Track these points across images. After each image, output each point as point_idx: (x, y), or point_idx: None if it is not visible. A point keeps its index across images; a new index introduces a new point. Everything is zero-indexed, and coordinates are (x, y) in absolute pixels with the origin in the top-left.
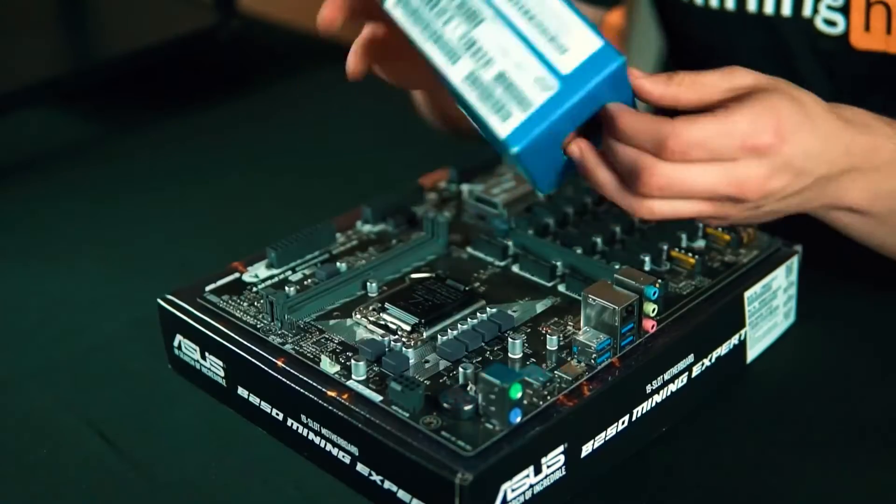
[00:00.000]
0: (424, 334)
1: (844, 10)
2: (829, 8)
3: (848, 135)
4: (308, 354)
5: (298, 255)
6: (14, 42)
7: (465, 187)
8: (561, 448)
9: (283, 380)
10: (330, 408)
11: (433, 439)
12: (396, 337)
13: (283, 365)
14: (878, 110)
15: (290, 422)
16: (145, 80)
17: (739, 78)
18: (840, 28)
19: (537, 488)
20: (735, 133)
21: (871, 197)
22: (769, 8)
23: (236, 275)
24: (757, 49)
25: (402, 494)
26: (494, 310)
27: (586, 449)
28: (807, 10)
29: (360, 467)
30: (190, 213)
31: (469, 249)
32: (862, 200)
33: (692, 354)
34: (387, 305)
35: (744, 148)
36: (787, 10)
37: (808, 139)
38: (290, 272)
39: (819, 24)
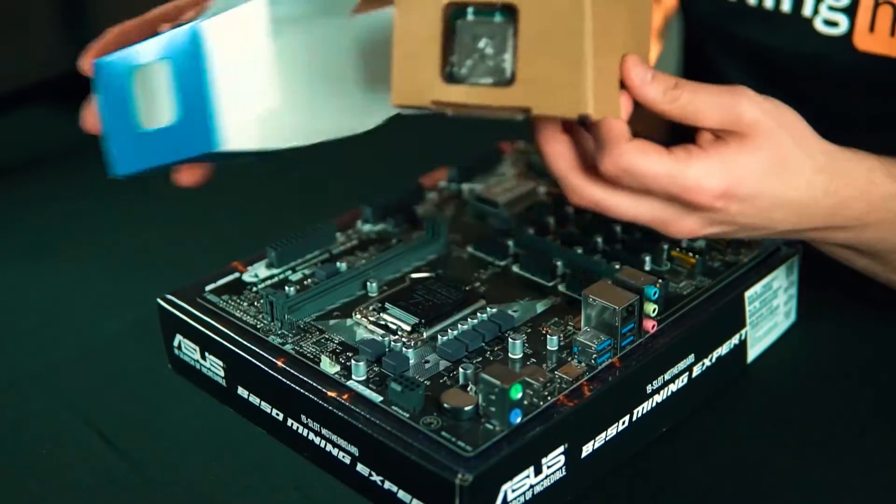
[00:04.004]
0: (424, 334)
1: (849, 10)
2: (832, 8)
3: (829, 203)
4: (308, 354)
5: (298, 254)
6: (14, 42)
7: (465, 187)
8: (561, 448)
9: (283, 380)
10: (330, 408)
11: (433, 439)
12: (396, 337)
13: (283, 365)
14: (877, 114)
15: (290, 422)
16: None
17: (740, 109)
18: (842, 28)
19: (537, 489)
20: (678, 181)
21: (861, 242)
22: (769, 2)
23: (236, 275)
24: (754, 44)
25: (402, 495)
26: (494, 310)
27: (586, 449)
28: (807, 10)
29: (360, 467)
30: (190, 212)
31: (469, 249)
32: (853, 244)
33: (692, 354)
34: (387, 305)
35: (679, 199)
36: (786, 6)
37: (766, 203)
38: (290, 272)
39: (818, 24)
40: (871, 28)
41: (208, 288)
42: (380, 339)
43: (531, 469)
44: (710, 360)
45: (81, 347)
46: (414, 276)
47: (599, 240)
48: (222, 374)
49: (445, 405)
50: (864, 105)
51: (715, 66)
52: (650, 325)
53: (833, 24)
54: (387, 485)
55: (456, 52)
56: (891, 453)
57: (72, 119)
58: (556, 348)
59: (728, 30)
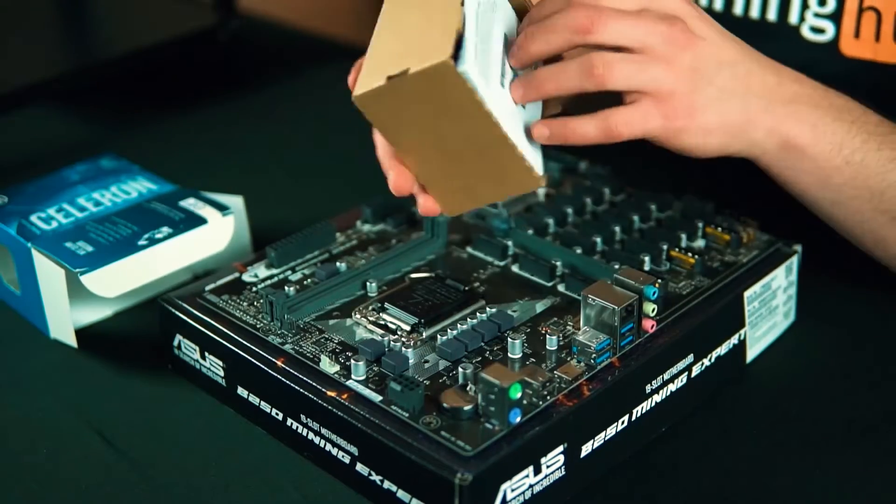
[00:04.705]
0: (424, 334)
1: (834, 16)
2: (817, 16)
3: (780, 68)
4: (308, 354)
5: (298, 254)
6: (14, 42)
7: None
8: (561, 448)
9: (283, 380)
10: (330, 408)
11: (433, 439)
12: (396, 337)
13: (283, 365)
14: None
15: (289, 422)
16: (145, 80)
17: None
18: (829, 35)
19: (537, 488)
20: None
21: (811, 129)
22: (755, 12)
23: (236, 275)
24: None
25: (401, 494)
26: (494, 310)
27: (586, 449)
28: (793, 18)
29: (359, 467)
30: None
31: (469, 249)
32: (803, 132)
33: (692, 354)
34: (386, 305)
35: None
36: (772, 15)
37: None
38: (289, 272)
39: (805, 31)
40: (857, 34)
41: (208, 288)
42: (379, 338)
43: (530, 469)
44: (710, 360)
45: (81, 347)
46: (413, 276)
47: (598, 240)
48: (222, 374)
49: (445, 405)
50: None
51: None
52: (649, 325)
53: (820, 31)
54: (386, 484)
55: None
56: (890, 453)
57: (72, 119)
58: (555, 348)
59: None
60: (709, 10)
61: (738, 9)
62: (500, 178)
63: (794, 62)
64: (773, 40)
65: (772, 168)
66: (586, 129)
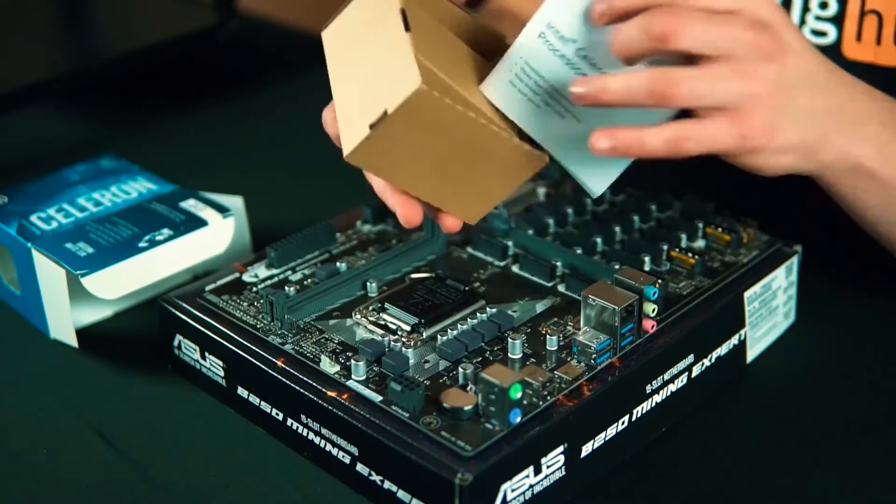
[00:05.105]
0: (424, 334)
1: (836, 19)
2: (819, 18)
3: (853, 82)
4: (308, 354)
5: (298, 255)
6: (14, 42)
7: None
8: (561, 448)
9: (283, 380)
10: (330, 408)
11: (433, 439)
12: (396, 337)
13: (283, 365)
14: None
15: (290, 422)
16: (145, 80)
17: None
18: (830, 38)
19: (537, 488)
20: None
21: (879, 151)
22: None
23: (236, 275)
24: None
25: (401, 494)
26: (494, 310)
27: (586, 449)
28: (794, 20)
29: (359, 467)
30: None
31: (469, 249)
32: (871, 154)
33: (692, 354)
34: (386, 305)
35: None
36: None
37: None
38: (289, 272)
39: (806, 34)
40: (859, 37)
41: (208, 288)
42: (379, 338)
43: (531, 469)
44: (710, 361)
45: (81, 347)
46: (414, 276)
47: (599, 240)
48: (222, 374)
49: (445, 405)
50: None
51: None
52: (649, 326)
53: (821, 34)
54: (386, 484)
55: None
56: (891, 453)
57: (72, 119)
58: (555, 348)
59: None
60: None
61: None
62: (506, 170)
63: None
64: None
65: (835, 187)
66: (654, 143)
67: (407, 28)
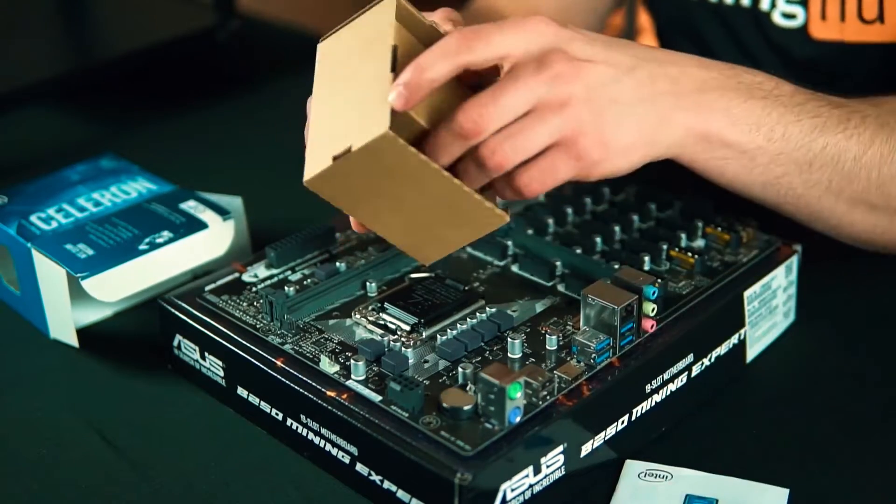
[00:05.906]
0: (424, 334)
1: (804, 1)
2: (788, 1)
3: (681, 57)
4: (307, 354)
5: (298, 254)
6: (14, 42)
7: None
8: (560, 448)
9: (283, 380)
10: (329, 408)
11: (433, 439)
12: (396, 337)
13: (283, 365)
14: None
15: (289, 422)
16: (145, 79)
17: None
18: (799, 20)
19: (537, 488)
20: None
21: (725, 115)
22: None
23: (236, 275)
24: (720, 41)
25: (401, 494)
26: (494, 309)
27: (586, 449)
28: (764, 5)
29: (359, 467)
30: None
31: (469, 249)
32: (717, 119)
33: (692, 354)
34: (386, 305)
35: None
36: (745, 1)
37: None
38: (289, 272)
39: (777, 18)
40: (823, 16)
41: (208, 288)
42: (379, 338)
43: (530, 468)
44: (710, 360)
45: (81, 347)
46: (413, 276)
47: (598, 240)
48: (222, 374)
49: (444, 405)
50: (828, 93)
51: None
52: (649, 325)
53: (791, 16)
54: (386, 484)
55: None
56: (890, 453)
57: (72, 119)
58: (555, 348)
59: (695, 29)
60: None
61: None
62: (465, 223)
63: (767, 48)
64: (746, 27)
65: (696, 163)
66: (502, 194)
67: (394, 67)
